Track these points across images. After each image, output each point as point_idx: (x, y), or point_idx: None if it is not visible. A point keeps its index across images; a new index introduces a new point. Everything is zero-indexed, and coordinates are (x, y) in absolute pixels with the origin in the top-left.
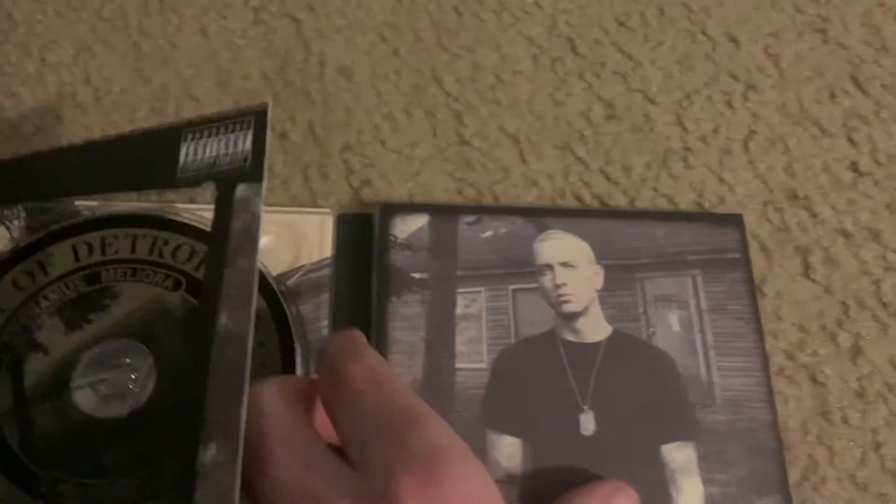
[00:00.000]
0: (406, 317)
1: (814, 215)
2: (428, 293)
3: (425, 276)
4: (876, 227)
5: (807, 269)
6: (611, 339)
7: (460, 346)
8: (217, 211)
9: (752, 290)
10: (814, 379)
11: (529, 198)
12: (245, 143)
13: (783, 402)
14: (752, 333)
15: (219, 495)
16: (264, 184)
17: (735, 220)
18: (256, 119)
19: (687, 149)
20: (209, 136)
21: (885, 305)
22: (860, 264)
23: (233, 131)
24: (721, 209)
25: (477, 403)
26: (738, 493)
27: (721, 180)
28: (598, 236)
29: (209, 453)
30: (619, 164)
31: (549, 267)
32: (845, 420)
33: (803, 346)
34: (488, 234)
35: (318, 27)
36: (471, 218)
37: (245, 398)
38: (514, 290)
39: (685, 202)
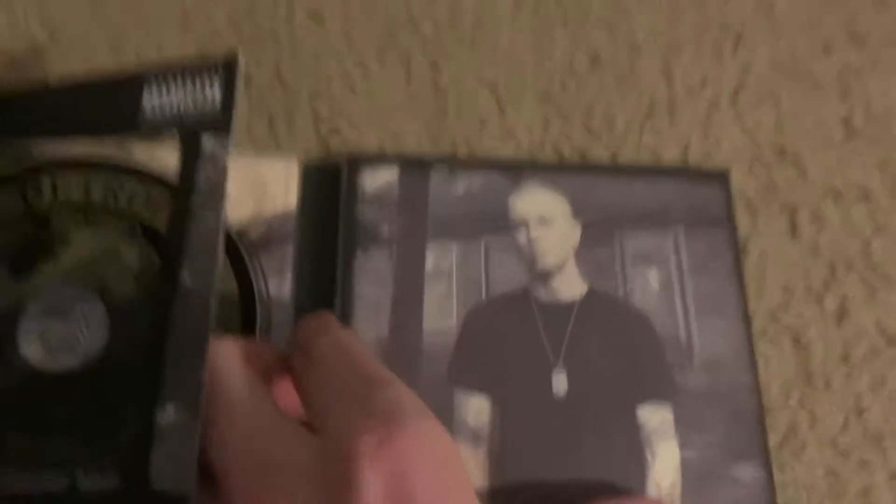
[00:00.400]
0: (372, 272)
1: (802, 173)
2: (396, 248)
3: (394, 230)
4: (867, 186)
5: (793, 229)
6: (586, 297)
7: (429, 303)
8: (182, 163)
9: (737, 249)
10: (797, 341)
11: (506, 150)
12: (213, 93)
13: (765, 365)
14: (735, 294)
15: (176, 460)
16: (232, 137)
17: (721, 177)
18: (226, 69)
19: (673, 101)
20: (175, 83)
21: (873, 267)
22: (849, 224)
23: (200, 81)
24: (707, 165)
25: (444, 362)
26: (716, 457)
27: (707, 135)
28: (577, 191)
29: (167, 415)
30: (601, 117)
31: (524, 222)
32: (828, 384)
33: (788, 308)
34: (461, 188)
35: None
36: (443, 171)
37: (207, 360)
38: (487, 246)
39: (669, 157)
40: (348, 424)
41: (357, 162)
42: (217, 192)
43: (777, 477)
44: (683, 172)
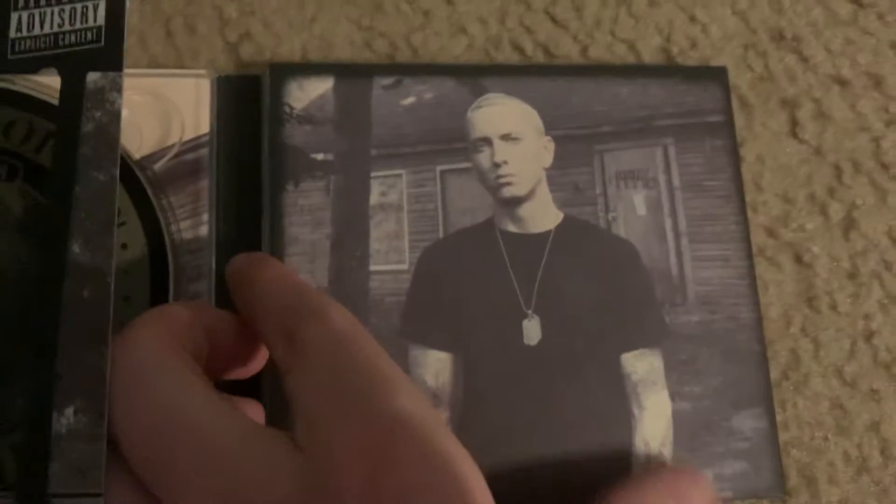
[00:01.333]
0: (306, 209)
1: (804, 59)
2: (334, 179)
3: (330, 157)
4: (877, 73)
5: (794, 127)
6: (561, 227)
7: (375, 243)
8: (61, 106)
9: (737, 162)
10: (799, 259)
11: (457, 49)
12: (96, 14)
13: (763, 289)
14: (734, 214)
15: (79, 472)
16: (123, 69)
17: (717, 74)
18: None
19: None
20: (49, 7)
21: (885, 167)
22: (857, 118)
23: (81, 3)
24: (692, 55)
25: (396, 313)
26: (712, 407)
27: (693, 19)
28: (548, 100)
29: (65, 420)
30: (568, 3)
31: (487, 141)
32: (833, 306)
33: (787, 221)
34: (410, 100)
35: None
36: (388, 80)
37: (109, 351)
38: (443, 172)
39: (649, 49)
40: (341, 446)
41: (281, 71)
42: (108, 143)
43: (778, 415)
44: (673, 71)
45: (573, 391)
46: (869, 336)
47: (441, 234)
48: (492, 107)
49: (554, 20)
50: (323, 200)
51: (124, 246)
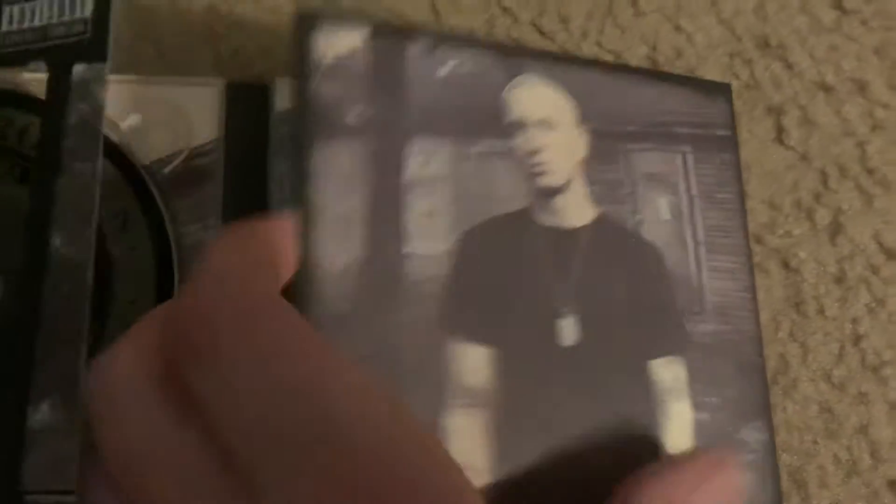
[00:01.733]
0: (337, 173)
1: (789, 66)
2: (368, 141)
3: (363, 118)
4: (862, 78)
5: (780, 133)
6: (595, 224)
7: (411, 223)
8: (48, 99)
9: (740, 178)
10: (786, 265)
11: None
12: (84, 7)
13: None
14: (740, 229)
15: (53, 466)
16: (108, 62)
17: (723, 90)
18: None
19: None
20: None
21: (870, 172)
22: (843, 123)
23: None
24: (678, 64)
25: (433, 300)
26: (726, 419)
27: (678, 28)
28: (584, 90)
29: (40, 415)
30: (554, 14)
31: (523, 125)
32: (821, 311)
33: (774, 227)
34: (446, 70)
35: None
36: (424, 44)
37: (84, 347)
38: (480, 154)
39: (635, 58)
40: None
41: (310, 19)
42: (91, 135)
43: None
44: (687, 81)
45: (605, 399)
46: (857, 340)
47: (478, 220)
48: (529, 89)
49: (540, 31)
50: (356, 167)
51: (132, 248)
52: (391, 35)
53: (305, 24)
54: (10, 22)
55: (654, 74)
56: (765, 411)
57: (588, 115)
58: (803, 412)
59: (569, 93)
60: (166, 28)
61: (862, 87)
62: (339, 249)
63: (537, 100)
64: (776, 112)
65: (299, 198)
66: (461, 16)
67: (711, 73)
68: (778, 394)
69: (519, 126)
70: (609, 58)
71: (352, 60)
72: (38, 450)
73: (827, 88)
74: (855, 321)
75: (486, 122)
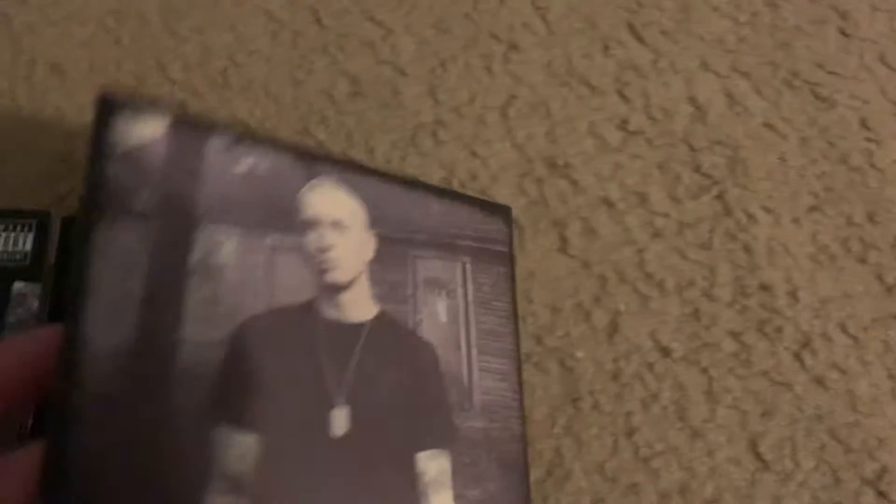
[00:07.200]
0: (118, 253)
1: (573, 183)
2: (155, 225)
3: (152, 202)
4: (643, 191)
5: (564, 244)
6: (377, 321)
7: (191, 308)
8: None
9: (514, 290)
10: (563, 364)
11: None
12: (25, 243)
13: (530, 392)
14: (511, 334)
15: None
16: (42, 284)
17: (504, 212)
18: (39, 223)
19: (439, 122)
20: None
21: (648, 276)
22: (623, 233)
23: (13, 230)
24: (472, 186)
25: (205, 388)
26: None
27: (474, 154)
28: (376, 199)
29: None
30: (362, 146)
31: (316, 224)
32: (596, 406)
33: (554, 329)
34: (245, 167)
35: (29, 21)
36: (225, 140)
37: None
38: (271, 246)
39: (433, 181)
40: None
41: (112, 104)
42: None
43: None
44: (473, 201)
45: (370, 489)
46: (630, 433)
47: (261, 309)
48: (324, 192)
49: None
50: (139, 248)
51: None
52: (192, 127)
53: (106, 108)
54: None
55: (443, 192)
56: None
57: (378, 221)
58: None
59: (361, 198)
60: (16, 173)
61: (643, 199)
62: (110, 330)
63: (331, 202)
64: (560, 225)
65: (74, 276)
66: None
67: (502, 192)
68: (551, 486)
69: (312, 224)
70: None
71: (148, 148)
72: None
73: (609, 203)
74: (629, 415)
75: (280, 217)
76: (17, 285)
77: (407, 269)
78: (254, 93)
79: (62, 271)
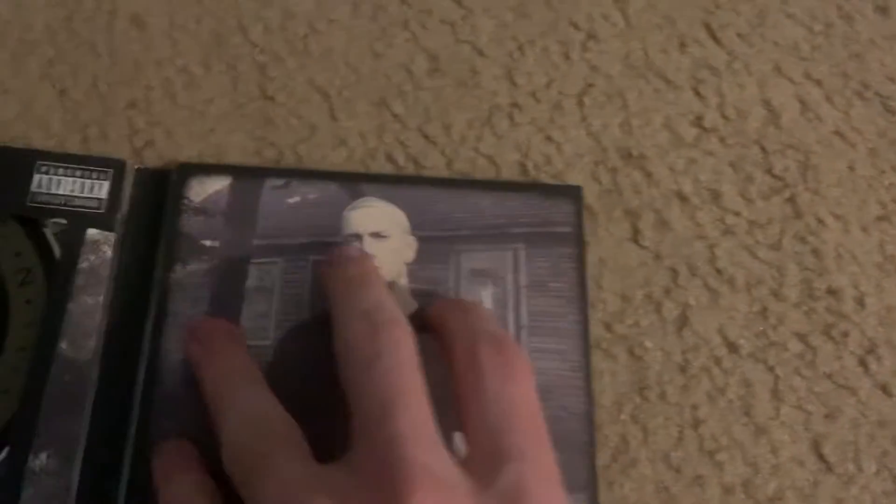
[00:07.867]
0: (189, 287)
1: (648, 175)
2: (217, 262)
3: (216, 243)
4: (716, 188)
5: (636, 234)
6: (414, 317)
7: (246, 321)
8: (65, 246)
9: (582, 269)
10: (631, 352)
11: (337, 159)
12: (101, 190)
13: (597, 378)
14: (574, 314)
15: (45, 499)
16: (115, 234)
17: (572, 192)
18: (115, 172)
19: (514, 105)
20: (64, 174)
21: (718, 272)
22: (695, 227)
23: (90, 177)
24: (546, 170)
25: None
26: None
27: (549, 139)
28: (416, 205)
29: (39, 462)
30: (438, 122)
31: (357, 237)
32: (663, 396)
33: (623, 317)
34: (295, 199)
35: None
36: (278, 182)
37: (83, 417)
38: (315, 261)
39: (507, 163)
40: None
41: (187, 171)
42: (98, 278)
43: (605, 495)
44: (531, 187)
45: None
46: (696, 425)
47: (307, 317)
48: (366, 208)
49: (425, 136)
50: (204, 281)
51: (28, 301)
52: (250, 178)
53: (184, 172)
54: (39, 186)
55: (494, 184)
56: (589, 485)
57: (420, 225)
58: (640, 490)
59: (404, 208)
60: (92, 119)
61: (716, 196)
62: (180, 344)
63: (373, 216)
64: (633, 215)
65: (156, 305)
66: (355, 120)
67: (576, 178)
68: (616, 471)
69: (353, 238)
70: (483, 161)
71: (215, 199)
72: (35, 484)
73: (683, 197)
74: (695, 407)
75: (325, 237)
76: (91, 232)
77: (449, 264)
78: (333, 62)
79: (135, 222)
